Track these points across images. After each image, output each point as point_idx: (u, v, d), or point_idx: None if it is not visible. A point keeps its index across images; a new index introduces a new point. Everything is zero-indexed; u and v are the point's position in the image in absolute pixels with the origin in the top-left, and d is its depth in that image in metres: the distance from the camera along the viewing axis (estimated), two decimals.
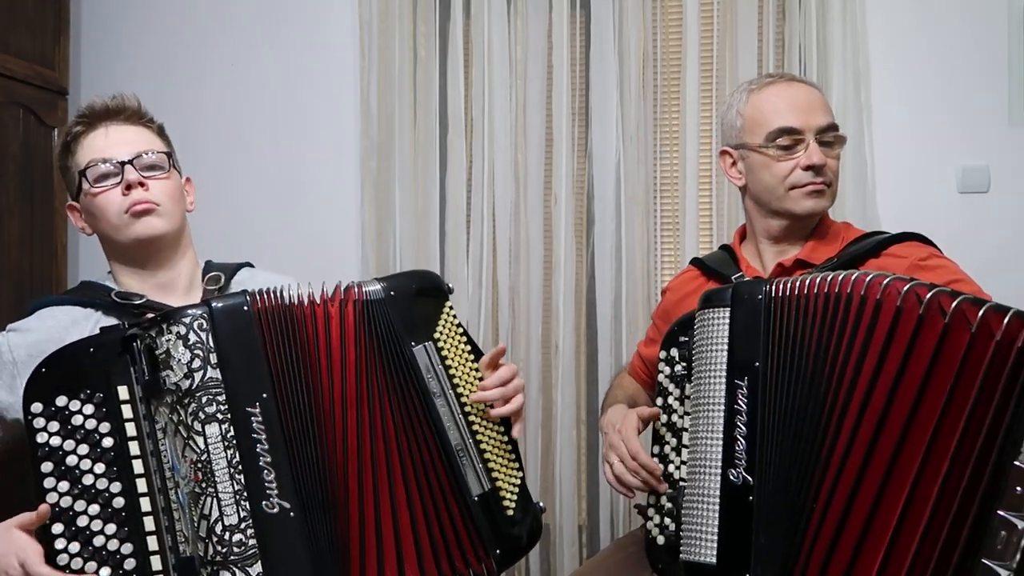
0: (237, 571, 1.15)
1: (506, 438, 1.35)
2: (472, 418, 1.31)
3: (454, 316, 1.34)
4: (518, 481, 1.34)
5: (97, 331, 1.27)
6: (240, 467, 1.17)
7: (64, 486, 1.16)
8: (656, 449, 1.42)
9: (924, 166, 2.33)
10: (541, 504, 1.37)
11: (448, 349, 1.32)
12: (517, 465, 1.36)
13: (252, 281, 1.48)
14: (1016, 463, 1.03)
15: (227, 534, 1.15)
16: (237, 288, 1.45)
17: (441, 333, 1.32)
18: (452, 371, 1.31)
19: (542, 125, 2.53)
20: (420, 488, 1.25)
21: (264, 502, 1.17)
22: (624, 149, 2.44)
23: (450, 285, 1.36)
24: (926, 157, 2.33)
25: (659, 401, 1.41)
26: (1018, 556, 1.02)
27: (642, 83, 2.44)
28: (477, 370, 1.35)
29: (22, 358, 1.30)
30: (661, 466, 1.39)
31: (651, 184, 2.47)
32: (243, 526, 1.16)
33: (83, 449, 1.18)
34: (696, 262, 1.67)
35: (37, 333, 1.33)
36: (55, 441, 1.17)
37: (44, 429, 1.17)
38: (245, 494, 1.17)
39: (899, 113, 2.34)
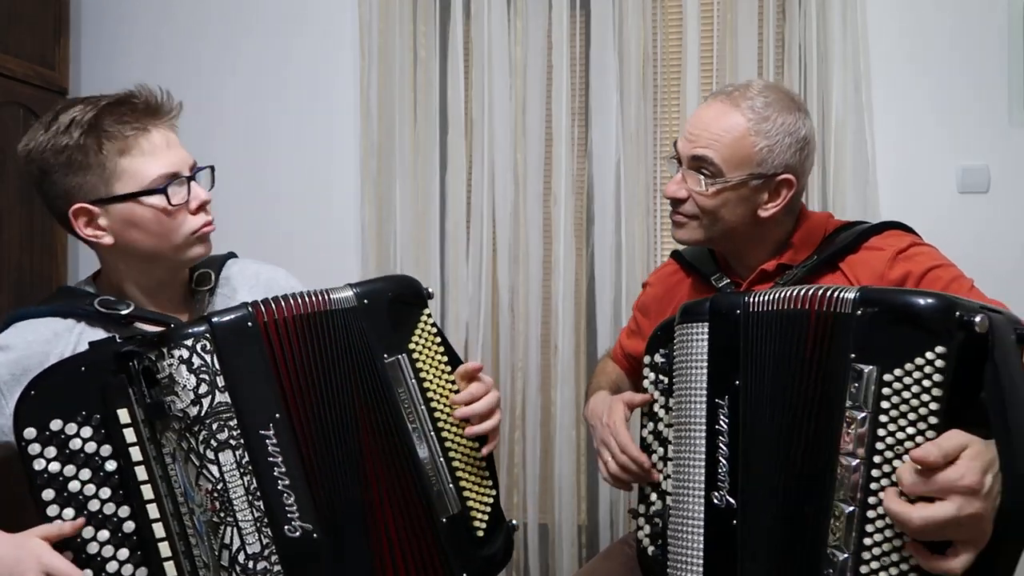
0: None
1: (480, 457, 1.29)
2: (445, 434, 1.26)
3: (432, 324, 1.28)
4: (491, 500, 1.29)
5: (84, 345, 1.19)
6: (258, 492, 1.12)
7: (69, 513, 1.10)
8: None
9: (924, 166, 2.33)
10: (514, 522, 1.31)
11: (423, 361, 1.26)
12: (491, 483, 1.30)
13: (242, 276, 1.43)
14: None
15: (251, 563, 1.11)
16: (226, 284, 1.40)
17: (416, 343, 1.25)
18: (426, 384, 1.25)
19: (542, 125, 2.53)
20: (394, 508, 1.21)
21: (286, 526, 1.12)
22: (624, 149, 2.44)
23: (430, 290, 1.30)
24: (926, 157, 2.33)
25: (647, 408, 1.38)
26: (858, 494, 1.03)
27: (642, 83, 2.44)
28: (453, 382, 1.29)
29: (5, 379, 1.20)
30: (648, 458, 1.35)
31: (651, 184, 2.46)
32: (266, 553, 1.12)
33: (85, 474, 1.12)
34: (676, 255, 1.64)
35: (17, 350, 1.22)
36: (54, 467, 1.11)
37: (40, 455, 1.10)
38: (266, 520, 1.12)
39: (899, 113, 2.34)
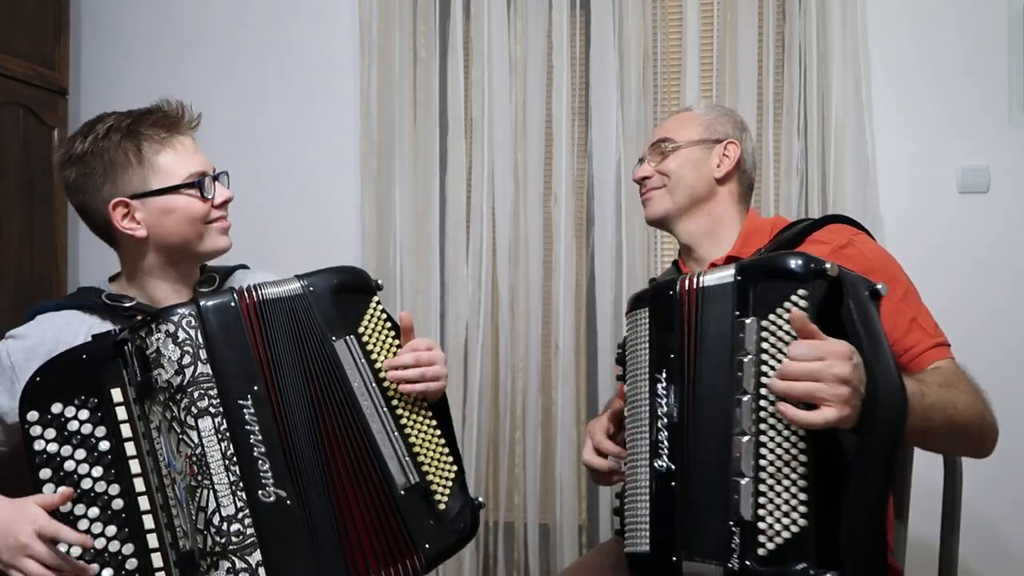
0: (237, 560, 1.17)
1: (438, 431, 1.34)
2: (400, 411, 1.31)
3: (382, 310, 1.35)
4: (451, 474, 1.33)
5: (90, 335, 1.29)
6: (234, 458, 1.19)
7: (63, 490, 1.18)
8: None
9: (924, 166, 2.33)
10: (480, 499, 1.35)
11: (373, 343, 1.32)
12: (451, 459, 1.35)
13: (246, 281, 1.47)
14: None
15: (225, 524, 1.17)
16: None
17: (366, 328, 1.32)
18: (378, 364, 1.31)
19: (542, 125, 2.53)
20: (354, 481, 1.26)
21: (260, 491, 1.19)
22: (624, 149, 2.44)
23: (379, 282, 1.38)
24: (926, 157, 2.33)
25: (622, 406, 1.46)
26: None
27: (642, 83, 2.44)
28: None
29: (19, 362, 1.31)
30: (605, 460, 1.49)
31: None
32: (240, 516, 1.18)
33: (80, 454, 1.20)
34: (651, 282, 1.73)
35: (34, 338, 1.34)
36: (52, 448, 1.19)
37: (41, 436, 1.19)
38: (241, 484, 1.19)
39: (899, 113, 2.34)
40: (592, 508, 2.49)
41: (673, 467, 1.25)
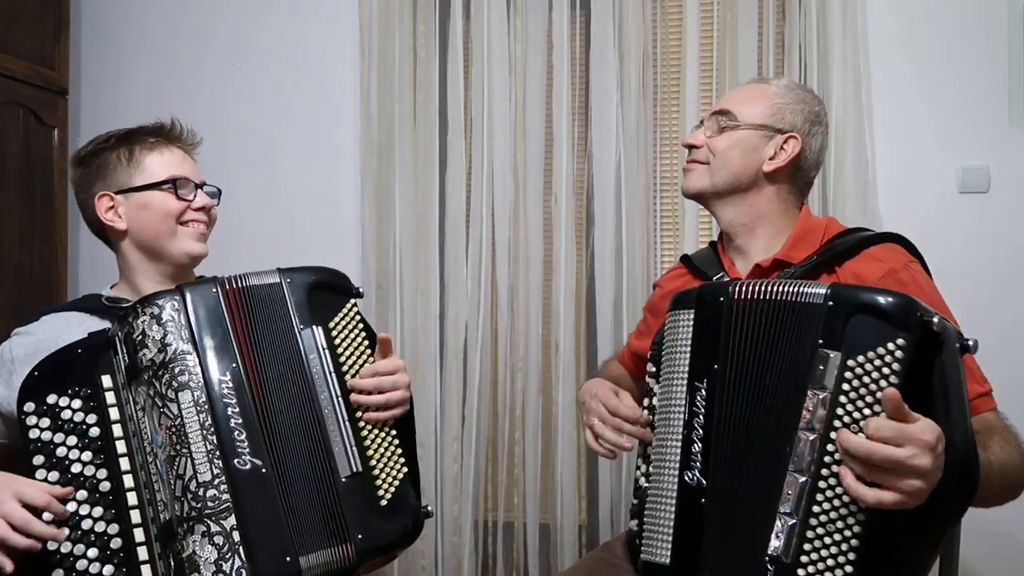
0: (212, 524, 1.21)
1: (392, 431, 1.38)
2: (355, 404, 1.36)
3: (356, 313, 1.41)
4: (400, 475, 1.36)
5: (87, 333, 1.34)
6: (212, 428, 1.25)
7: (54, 476, 1.23)
8: (640, 449, 1.42)
9: (924, 166, 2.34)
10: (428, 508, 1.38)
11: (340, 339, 1.37)
12: (403, 460, 1.37)
13: None
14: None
15: (201, 490, 1.22)
16: None
17: (337, 324, 1.38)
18: (342, 358, 1.36)
19: (542, 125, 2.53)
20: (307, 460, 1.30)
21: (236, 460, 1.25)
22: (624, 149, 2.44)
23: (359, 289, 1.44)
24: (926, 157, 2.33)
25: (644, 401, 1.40)
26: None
27: (642, 83, 2.44)
28: (374, 362, 1.40)
29: (20, 357, 1.39)
30: (644, 413, 1.38)
31: (651, 184, 2.47)
32: (216, 482, 1.23)
33: (72, 440, 1.25)
34: (685, 259, 1.68)
35: (36, 335, 1.42)
36: (46, 436, 1.25)
37: (36, 426, 1.25)
38: (218, 452, 1.24)
39: (899, 113, 2.34)
40: (592, 508, 2.49)
41: (705, 483, 1.21)
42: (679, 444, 1.25)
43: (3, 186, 2.42)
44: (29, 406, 1.25)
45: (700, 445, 1.22)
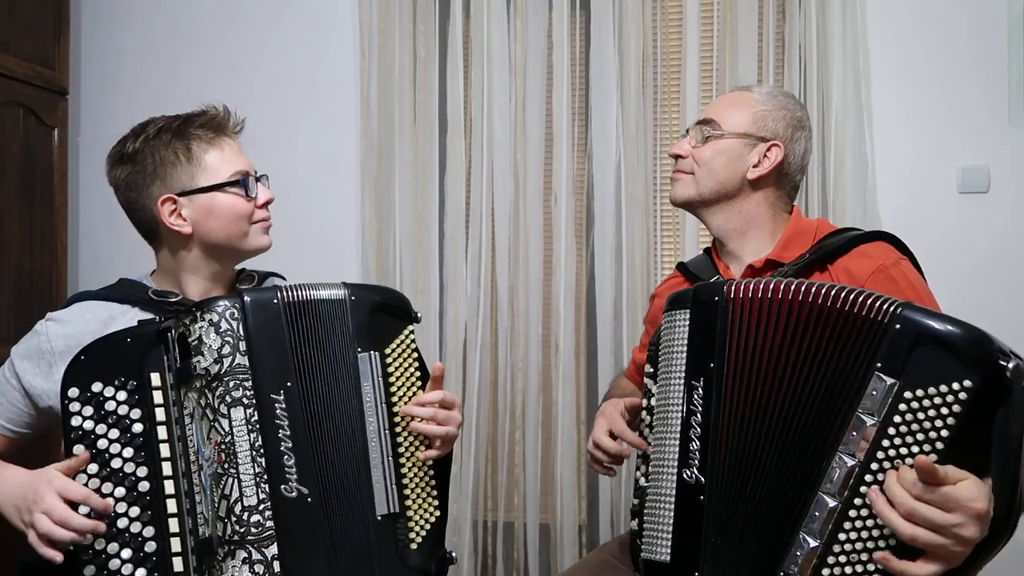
0: (253, 551, 1.18)
1: (431, 472, 1.35)
2: (400, 439, 1.33)
3: (412, 342, 1.37)
4: (433, 519, 1.35)
5: (135, 324, 1.31)
6: (262, 450, 1.21)
7: (93, 468, 1.20)
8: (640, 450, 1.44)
9: (924, 166, 2.33)
10: (453, 554, 1.37)
11: (395, 368, 1.34)
12: (437, 504, 1.36)
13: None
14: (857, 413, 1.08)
15: (246, 514, 1.19)
16: None
17: (393, 351, 1.34)
18: (393, 388, 1.33)
19: (542, 125, 2.53)
20: (344, 494, 1.27)
21: (283, 486, 1.21)
22: (624, 149, 2.44)
23: (418, 314, 1.39)
24: (926, 157, 2.33)
25: (643, 402, 1.42)
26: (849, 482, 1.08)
27: (642, 83, 2.44)
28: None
29: (60, 348, 1.33)
30: (617, 444, 1.46)
31: (651, 184, 2.47)
32: (261, 508, 1.20)
33: (114, 433, 1.22)
34: (681, 267, 1.70)
35: (76, 326, 1.35)
36: (88, 425, 1.21)
37: (79, 413, 1.21)
38: (265, 477, 1.21)
39: (899, 113, 2.34)
40: (592, 508, 2.49)
41: (703, 480, 1.21)
42: (677, 442, 1.25)
43: (3, 186, 2.42)
44: (73, 391, 1.21)
45: (698, 443, 1.22)
